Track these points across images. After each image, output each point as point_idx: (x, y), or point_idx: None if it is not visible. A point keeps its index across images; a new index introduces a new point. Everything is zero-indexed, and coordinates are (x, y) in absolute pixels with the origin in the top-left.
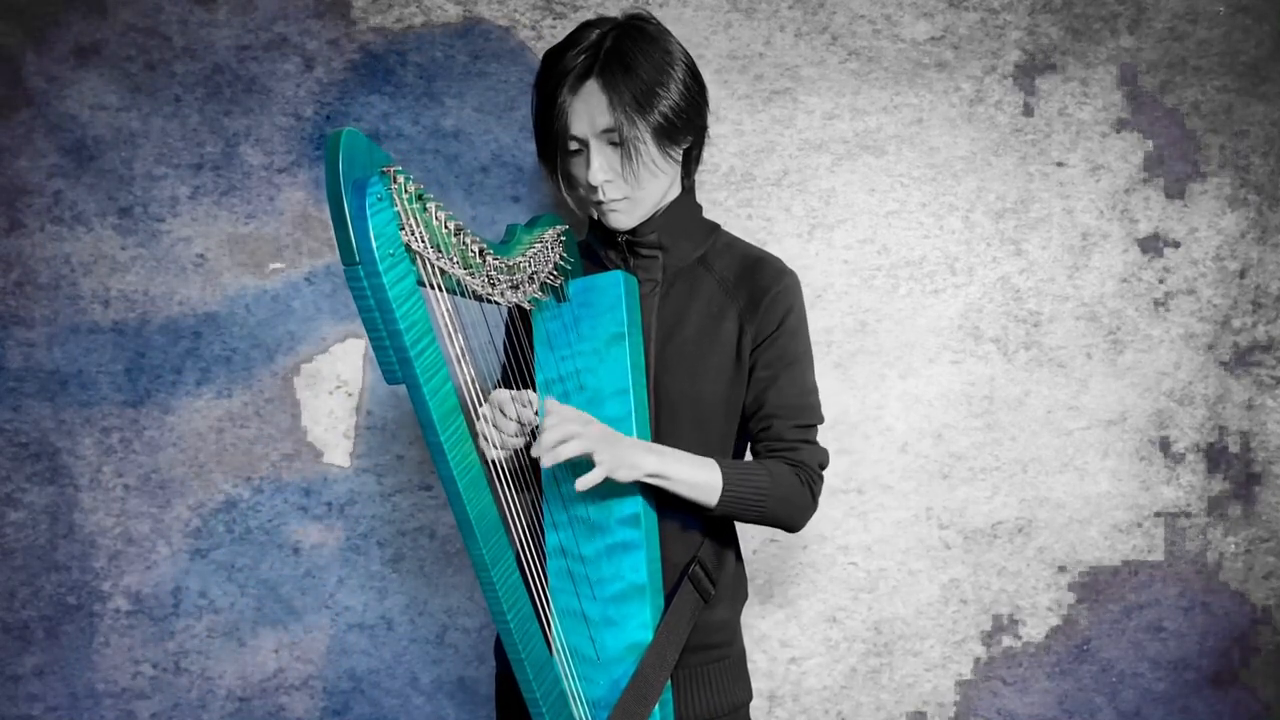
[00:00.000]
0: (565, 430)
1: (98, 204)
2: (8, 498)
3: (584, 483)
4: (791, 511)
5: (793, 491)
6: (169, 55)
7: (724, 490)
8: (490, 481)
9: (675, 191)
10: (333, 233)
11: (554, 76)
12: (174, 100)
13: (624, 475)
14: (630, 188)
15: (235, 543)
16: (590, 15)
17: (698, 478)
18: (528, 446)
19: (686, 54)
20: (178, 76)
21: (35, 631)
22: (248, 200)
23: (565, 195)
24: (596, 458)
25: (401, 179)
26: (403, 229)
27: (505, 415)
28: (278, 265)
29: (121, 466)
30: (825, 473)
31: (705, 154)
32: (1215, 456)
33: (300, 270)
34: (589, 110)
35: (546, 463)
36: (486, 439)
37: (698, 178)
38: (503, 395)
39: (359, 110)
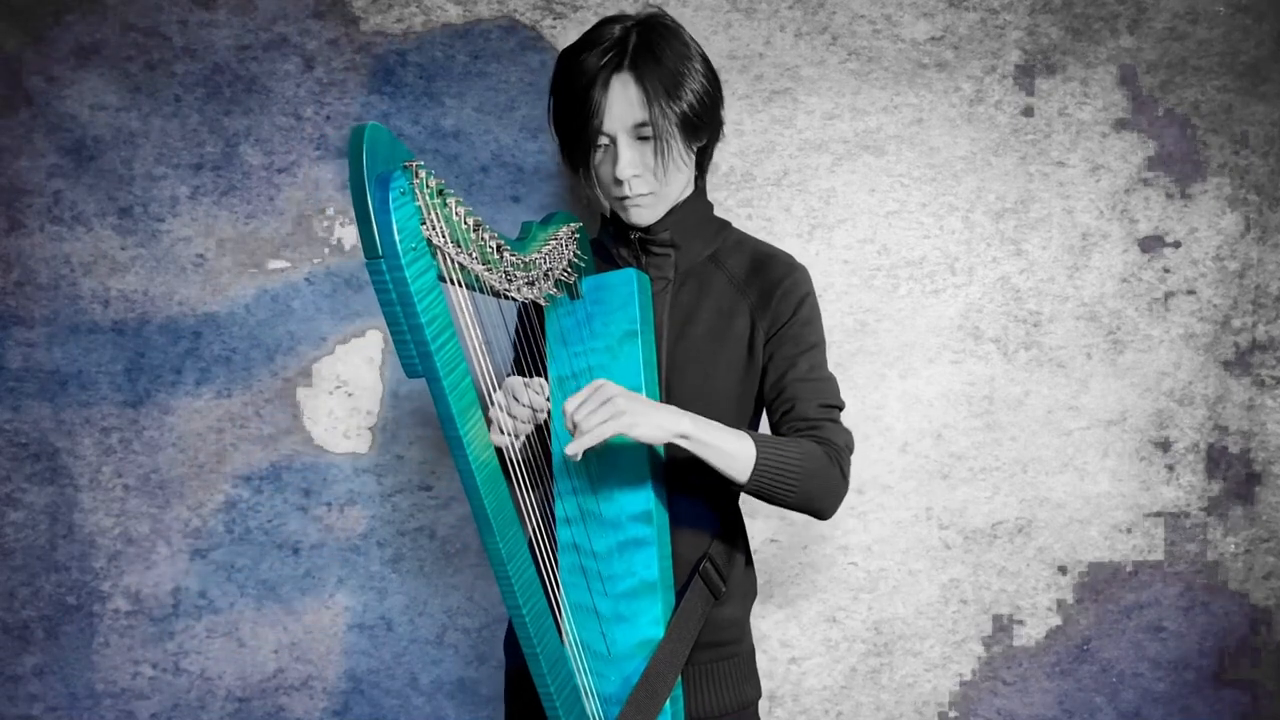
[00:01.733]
0: (604, 412)
1: (98, 204)
2: (8, 498)
3: (601, 432)
4: (824, 488)
5: (824, 467)
6: (169, 55)
7: (758, 459)
8: (505, 475)
9: (689, 190)
10: (333, 234)
11: (582, 74)
12: (174, 100)
13: (649, 433)
14: (658, 183)
15: (235, 543)
16: (590, 15)
17: (730, 445)
18: (542, 433)
19: (702, 50)
20: (178, 76)
21: (35, 631)
22: (248, 200)
23: (596, 194)
24: (626, 418)
25: (423, 174)
26: (424, 224)
27: (519, 402)
28: (278, 265)
29: (121, 466)
30: (851, 458)
31: None
32: (1215, 456)
33: (300, 270)
34: (620, 105)
35: (582, 444)
36: (499, 427)
37: None
38: (516, 382)
39: (359, 110)
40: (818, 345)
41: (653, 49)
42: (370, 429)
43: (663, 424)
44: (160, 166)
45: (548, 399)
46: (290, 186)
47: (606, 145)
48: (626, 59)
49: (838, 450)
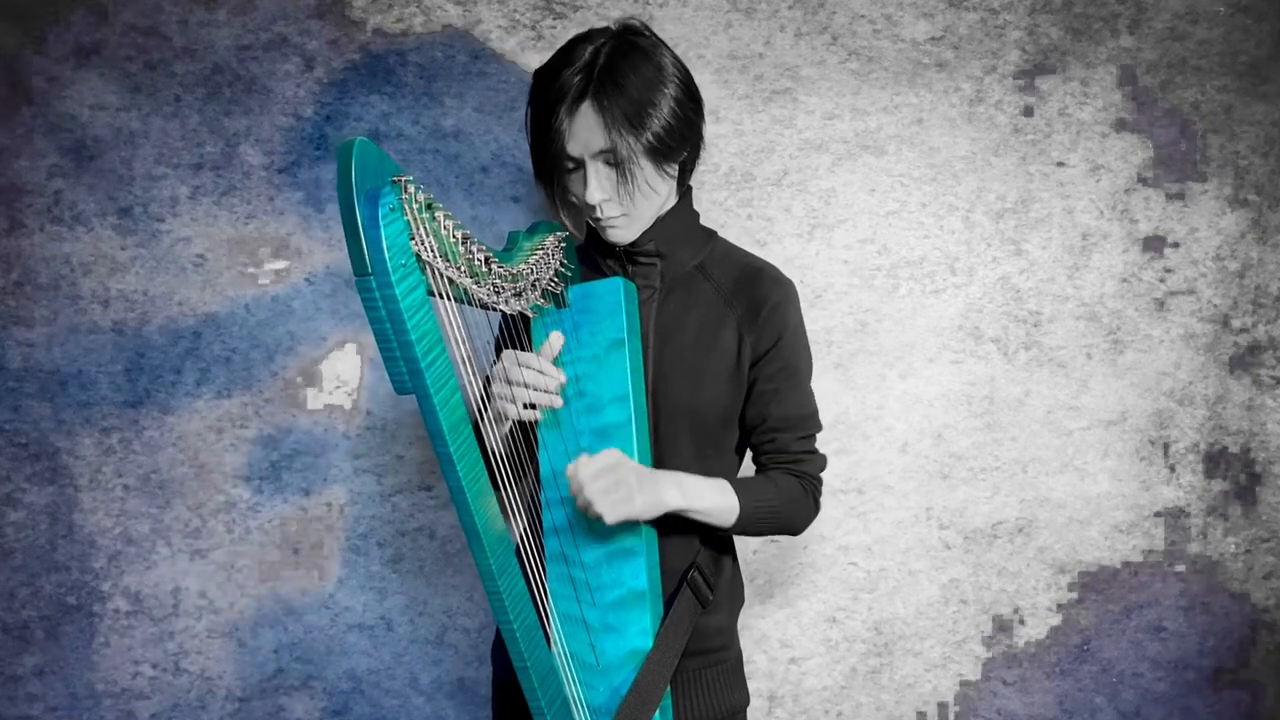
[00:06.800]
0: (599, 507)
1: (98, 204)
2: (8, 498)
3: (611, 518)
4: (798, 519)
5: (799, 502)
6: (169, 55)
7: (740, 513)
8: (495, 488)
9: (673, 200)
10: (333, 234)
11: (549, 98)
12: (174, 100)
13: (650, 514)
14: (627, 205)
15: (235, 543)
16: (591, 15)
17: (716, 503)
18: (526, 431)
19: (680, 67)
20: (178, 76)
21: (35, 631)
22: (248, 200)
23: (561, 217)
24: (631, 506)
25: (412, 189)
26: (413, 239)
27: (522, 370)
28: (278, 265)
29: (121, 466)
30: (824, 473)
31: (705, 154)
32: (1215, 456)
33: (300, 270)
34: (584, 133)
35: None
36: (499, 403)
37: (698, 178)
38: (514, 354)
39: (359, 110)
40: (801, 367)
41: (616, 76)
42: (370, 428)
43: (656, 503)
44: (160, 166)
45: (554, 362)
46: (290, 186)
47: (575, 167)
48: (591, 85)
49: (813, 482)
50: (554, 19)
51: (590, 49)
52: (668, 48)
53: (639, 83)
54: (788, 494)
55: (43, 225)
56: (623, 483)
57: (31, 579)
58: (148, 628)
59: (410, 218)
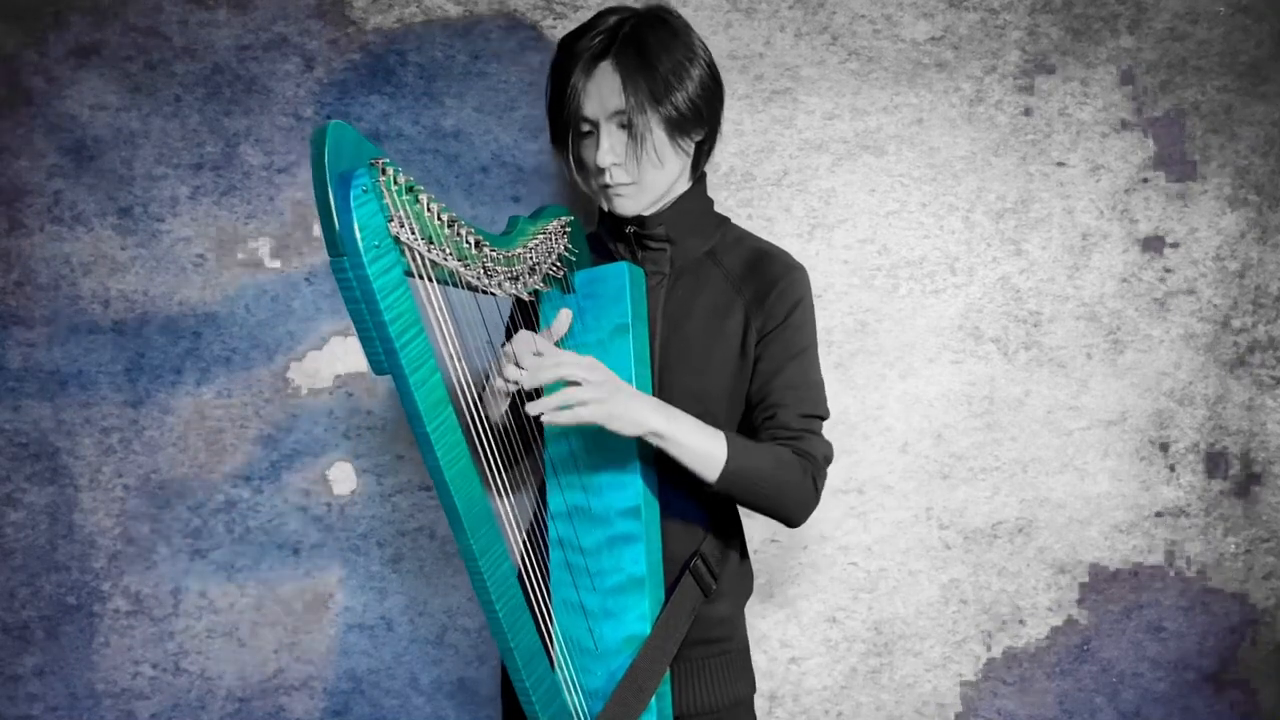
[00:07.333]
0: (567, 396)
1: (98, 204)
2: (8, 498)
3: (578, 415)
4: (792, 500)
5: (796, 478)
6: (169, 55)
7: (727, 462)
8: (482, 473)
9: (685, 184)
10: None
11: (570, 58)
12: (174, 100)
13: (623, 428)
14: (635, 173)
15: (235, 543)
16: (591, 14)
17: (702, 445)
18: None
19: (706, 51)
20: (178, 76)
21: (35, 631)
22: (248, 200)
23: (576, 178)
24: (596, 409)
25: (391, 171)
26: (391, 220)
27: (529, 353)
28: (278, 265)
29: (121, 466)
30: (829, 468)
31: None
32: (1215, 456)
33: (300, 270)
34: (601, 91)
35: (548, 420)
36: (500, 381)
37: None
38: (529, 337)
39: (359, 110)
40: (808, 350)
41: (640, 41)
42: (370, 428)
43: (636, 419)
44: (160, 166)
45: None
46: (290, 186)
47: (590, 131)
48: (614, 46)
49: (814, 463)
50: (554, 19)
51: (616, 18)
52: (695, 32)
53: (663, 53)
54: (783, 464)
55: (43, 225)
56: (606, 382)
57: (31, 579)
58: (148, 628)
59: (389, 200)
